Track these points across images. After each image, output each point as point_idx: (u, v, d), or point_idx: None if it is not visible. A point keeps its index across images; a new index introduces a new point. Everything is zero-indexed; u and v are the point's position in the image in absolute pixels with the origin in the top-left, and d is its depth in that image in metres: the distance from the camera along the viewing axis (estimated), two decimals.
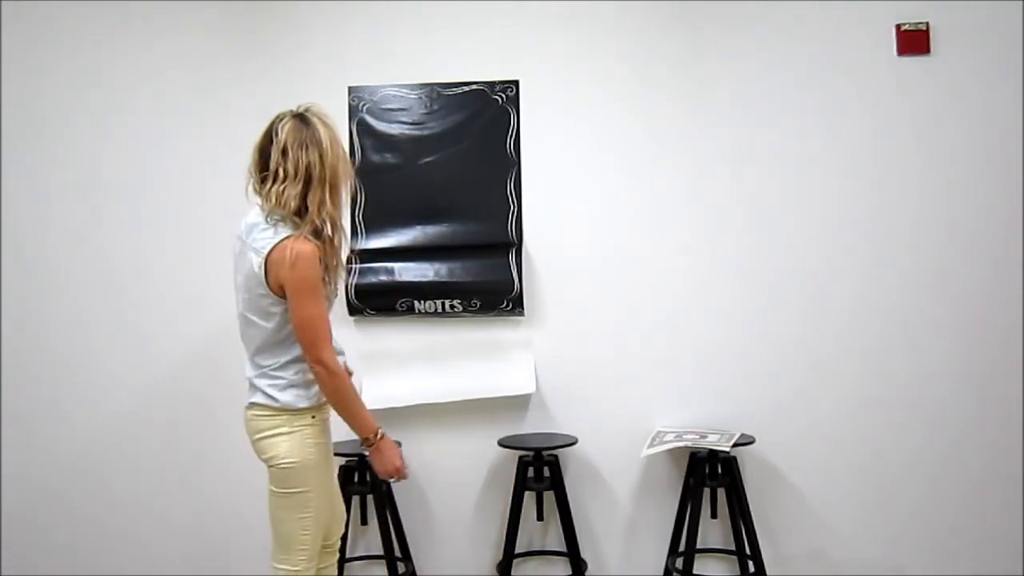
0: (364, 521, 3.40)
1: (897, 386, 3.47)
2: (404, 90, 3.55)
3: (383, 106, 3.55)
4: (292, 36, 3.59)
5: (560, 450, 3.42)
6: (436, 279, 3.47)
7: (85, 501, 3.63)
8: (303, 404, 2.42)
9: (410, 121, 3.54)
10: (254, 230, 2.34)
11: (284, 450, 2.38)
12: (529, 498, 3.46)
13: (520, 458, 3.35)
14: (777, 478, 3.51)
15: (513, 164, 3.54)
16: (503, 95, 3.54)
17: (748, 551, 3.32)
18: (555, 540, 3.54)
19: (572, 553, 3.35)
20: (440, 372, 3.48)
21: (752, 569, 3.30)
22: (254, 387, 2.45)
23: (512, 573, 3.37)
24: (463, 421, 3.55)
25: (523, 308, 3.52)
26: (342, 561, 3.33)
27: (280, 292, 2.32)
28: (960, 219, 3.45)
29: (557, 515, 3.39)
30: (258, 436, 2.42)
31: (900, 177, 3.47)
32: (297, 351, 2.39)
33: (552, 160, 3.55)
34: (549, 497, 3.44)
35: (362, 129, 3.54)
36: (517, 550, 3.40)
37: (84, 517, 3.63)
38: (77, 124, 3.63)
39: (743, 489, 3.30)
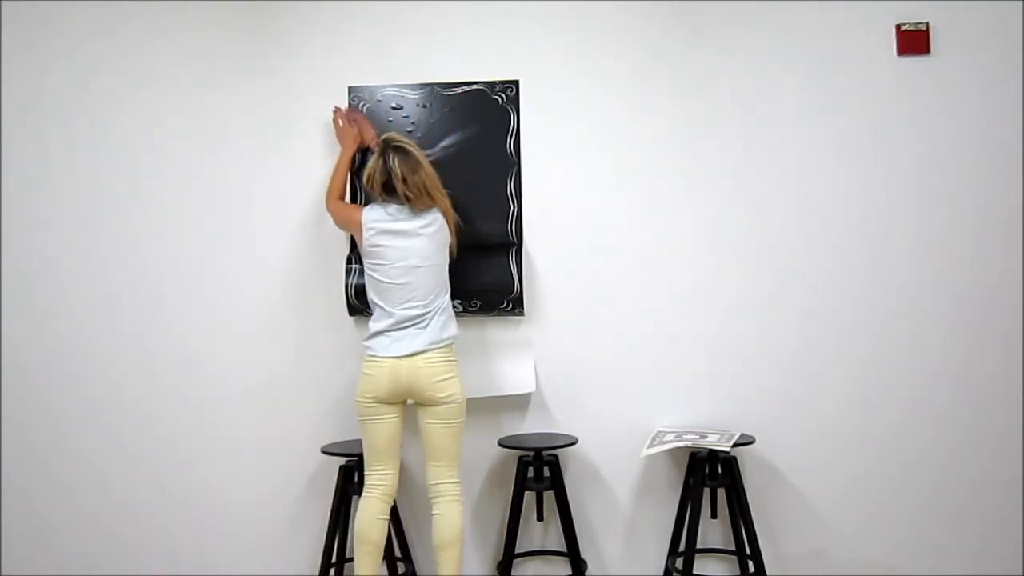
0: None
1: (897, 386, 3.47)
2: (404, 90, 3.55)
3: (383, 106, 3.55)
4: (292, 36, 3.60)
5: (560, 450, 3.42)
6: None
7: (85, 502, 3.63)
8: (456, 331, 3.17)
9: (410, 121, 3.54)
10: (412, 218, 3.13)
11: (459, 388, 3.10)
12: (529, 498, 3.46)
13: (520, 458, 3.35)
14: (777, 478, 3.51)
15: (513, 164, 3.53)
16: (503, 95, 3.54)
17: (748, 551, 3.32)
18: (555, 540, 3.55)
19: (572, 553, 3.35)
20: None
21: (752, 569, 3.30)
22: (430, 327, 3.07)
23: (512, 573, 3.37)
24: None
25: (523, 308, 3.52)
26: (341, 562, 3.35)
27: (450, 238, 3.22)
28: (960, 219, 3.45)
29: (557, 515, 3.39)
30: (438, 379, 3.05)
31: (900, 177, 3.47)
32: (448, 283, 3.19)
33: (552, 160, 3.55)
34: (549, 497, 3.44)
35: None
36: (517, 550, 3.40)
37: (84, 518, 3.63)
38: (77, 123, 3.63)
39: (743, 489, 3.30)
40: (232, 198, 3.62)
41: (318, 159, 3.57)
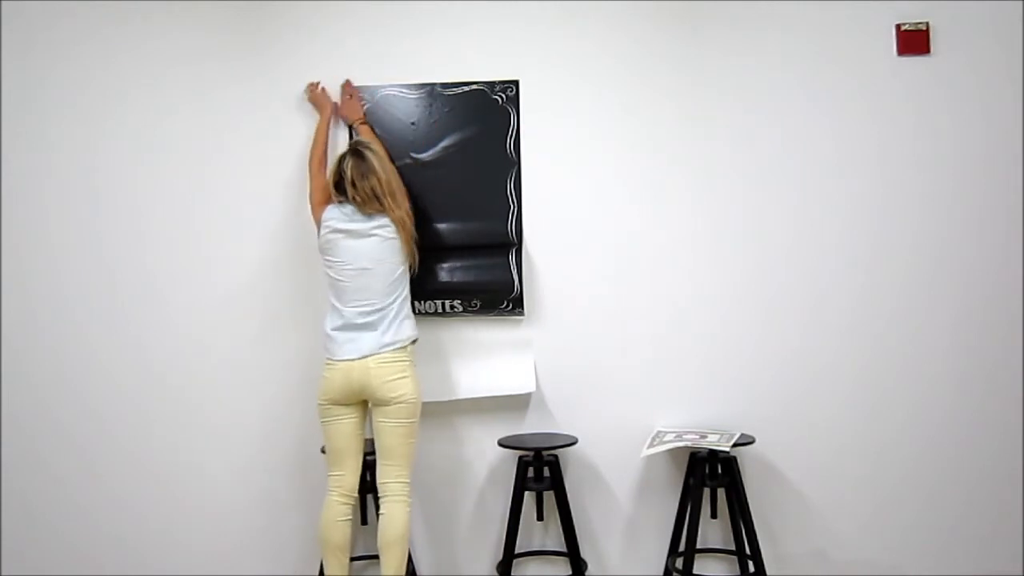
0: (364, 521, 3.41)
1: (897, 386, 3.47)
2: (404, 90, 3.55)
3: (383, 106, 3.55)
4: (292, 36, 3.59)
5: (560, 450, 3.42)
6: (436, 279, 3.47)
7: (85, 502, 3.63)
8: (413, 333, 3.18)
9: (410, 121, 3.54)
10: (365, 220, 3.15)
11: (412, 387, 3.10)
12: (529, 498, 3.46)
13: (520, 458, 3.35)
14: (777, 478, 3.51)
15: (513, 164, 3.53)
16: (503, 95, 3.54)
17: (748, 551, 3.32)
18: (555, 540, 3.55)
19: (572, 553, 3.35)
20: (440, 372, 3.48)
21: (752, 569, 3.30)
22: (381, 329, 3.09)
23: (512, 573, 3.37)
24: (463, 421, 3.56)
25: (523, 308, 3.52)
26: None
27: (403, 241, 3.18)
28: (960, 219, 3.45)
29: (557, 515, 3.39)
30: (389, 378, 3.07)
31: (900, 177, 3.47)
32: (407, 289, 3.21)
33: (552, 160, 3.55)
34: (549, 497, 3.44)
35: None
36: (517, 550, 3.40)
37: (84, 518, 3.62)
38: (77, 123, 3.62)
39: (743, 489, 3.30)
40: (232, 197, 3.62)
41: None
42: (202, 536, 3.62)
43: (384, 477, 3.13)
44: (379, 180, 3.14)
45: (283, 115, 3.59)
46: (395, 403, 3.08)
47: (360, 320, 3.11)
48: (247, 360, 3.60)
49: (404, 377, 3.10)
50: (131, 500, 3.62)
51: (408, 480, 3.14)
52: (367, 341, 3.09)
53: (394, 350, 3.10)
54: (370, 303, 3.11)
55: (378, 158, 3.19)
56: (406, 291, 3.21)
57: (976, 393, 3.45)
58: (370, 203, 3.13)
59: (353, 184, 3.13)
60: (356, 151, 3.19)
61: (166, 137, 3.62)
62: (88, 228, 3.63)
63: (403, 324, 3.15)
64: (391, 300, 3.13)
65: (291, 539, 3.60)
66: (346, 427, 3.15)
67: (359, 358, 3.08)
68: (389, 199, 3.15)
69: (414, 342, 3.19)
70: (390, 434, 3.11)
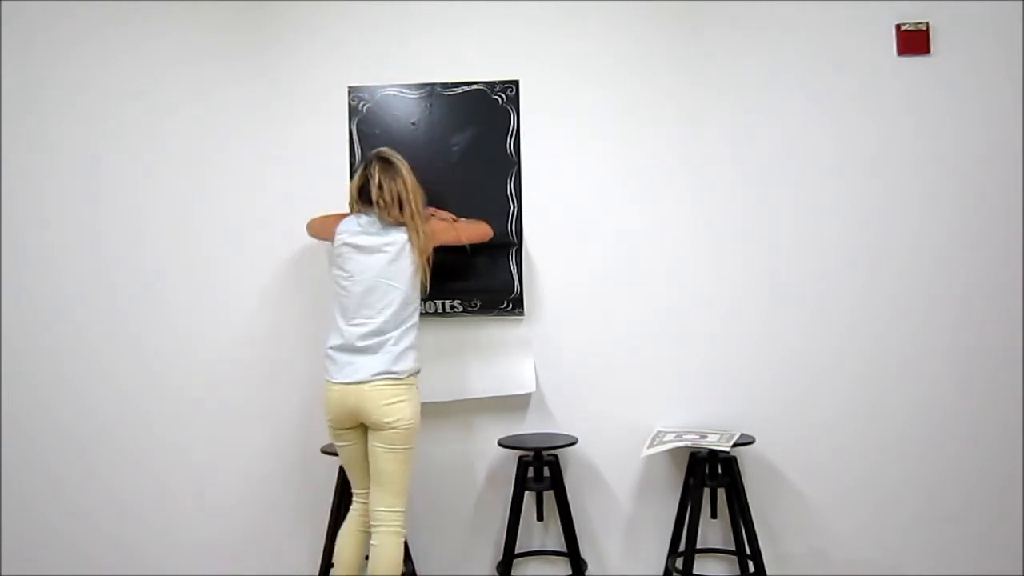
0: None
1: (897, 386, 3.47)
2: (404, 90, 3.56)
3: (383, 106, 3.55)
4: (292, 36, 3.60)
5: (560, 450, 3.42)
6: (436, 279, 3.46)
7: (85, 502, 3.63)
8: (416, 366, 3.05)
9: (410, 121, 3.54)
10: (379, 234, 3.06)
11: (409, 412, 2.98)
12: (529, 498, 3.46)
13: (520, 458, 3.35)
14: (777, 478, 3.51)
15: (513, 164, 3.54)
16: (503, 95, 3.54)
17: (748, 551, 3.32)
18: (555, 540, 3.55)
19: (572, 553, 3.35)
20: (440, 372, 3.48)
21: (752, 569, 3.30)
22: (379, 356, 2.98)
23: (512, 573, 3.37)
24: (463, 421, 3.56)
25: (523, 308, 3.52)
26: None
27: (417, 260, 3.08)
28: (960, 219, 3.45)
29: (557, 515, 3.39)
30: (385, 402, 2.95)
31: (900, 177, 3.47)
32: (415, 318, 3.08)
33: (552, 160, 3.55)
34: (549, 497, 3.44)
35: (362, 129, 3.54)
36: (517, 550, 3.40)
37: (84, 518, 3.63)
38: (77, 123, 3.63)
39: (743, 489, 3.30)
40: (232, 197, 3.62)
41: (318, 158, 3.57)
42: (202, 536, 3.62)
43: (377, 504, 2.99)
44: (406, 185, 3.05)
45: (283, 115, 3.60)
46: (389, 428, 2.95)
47: (360, 343, 2.99)
48: (247, 360, 3.60)
49: (401, 401, 2.97)
50: (131, 500, 3.63)
51: (402, 509, 3.00)
52: (364, 366, 2.97)
53: (390, 379, 2.97)
54: (370, 324, 2.99)
55: (406, 168, 3.10)
56: (413, 320, 3.07)
57: (976, 393, 3.45)
58: (392, 208, 3.02)
59: (380, 186, 3.03)
60: (383, 157, 3.10)
61: (166, 137, 3.62)
62: (88, 228, 3.63)
63: (405, 355, 3.01)
64: (394, 326, 3.00)
65: (291, 539, 3.60)
66: (353, 452, 3.08)
67: (355, 382, 2.97)
68: (412, 206, 3.05)
69: (416, 373, 3.05)
70: (383, 459, 2.98)
